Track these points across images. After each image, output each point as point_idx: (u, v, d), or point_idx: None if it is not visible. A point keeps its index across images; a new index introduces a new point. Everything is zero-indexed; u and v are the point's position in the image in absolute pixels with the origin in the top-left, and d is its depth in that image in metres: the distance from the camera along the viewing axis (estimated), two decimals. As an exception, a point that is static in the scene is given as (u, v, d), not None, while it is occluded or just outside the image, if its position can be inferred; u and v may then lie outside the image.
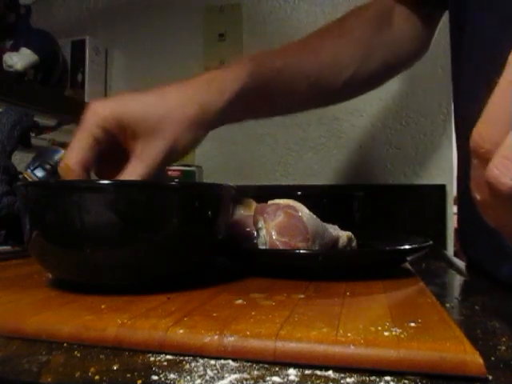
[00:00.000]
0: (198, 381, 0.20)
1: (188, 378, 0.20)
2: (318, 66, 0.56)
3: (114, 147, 0.43)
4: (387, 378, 0.20)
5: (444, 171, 0.95)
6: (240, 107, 0.48)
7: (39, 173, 0.59)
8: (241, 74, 0.48)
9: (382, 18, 0.62)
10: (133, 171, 0.42)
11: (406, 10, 0.62)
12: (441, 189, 0.94)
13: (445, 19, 0.65)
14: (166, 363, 0.22)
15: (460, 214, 0.59)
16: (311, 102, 0.62)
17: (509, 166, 0.19)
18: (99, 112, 0.41)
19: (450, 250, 0.95)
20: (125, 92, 0.45)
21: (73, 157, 0.40)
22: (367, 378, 0.20)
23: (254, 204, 0.48)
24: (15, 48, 0.92)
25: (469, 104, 0.23)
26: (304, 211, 0.41)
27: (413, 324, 0.24)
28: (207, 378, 0.20)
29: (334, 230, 0.45)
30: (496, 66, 0.23)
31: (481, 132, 0.21)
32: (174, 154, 0.44)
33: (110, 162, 0.44)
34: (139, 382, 0.20)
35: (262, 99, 0.52)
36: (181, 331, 0.23)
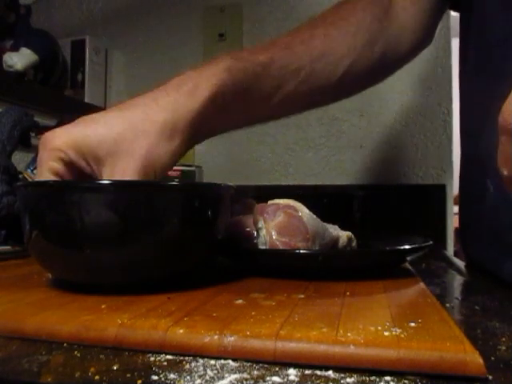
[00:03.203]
0: (198, 381, 0.20)
1: (188, 377, 0.20)
2: (308, 58, 0.50)
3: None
4: (387, 377, 0.20)
5: (444, 171, 0.95)
6: (221, 109, 0.43)
7: (39, 173, 0.59)
8: (216, 71, 0.42)
9: (381, 3, 0.55)
10: None
11: None
12: (441, 189, 0.94)
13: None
14: (165, 363, 0.22)
15: (461, 213, 0.59)
16: (302, 102, 0.53)
17: None
18: (52, 144, 0.37)
19: (450, 250, 0.95)
20: (83, 116, 0.39)
21: None
22: (367, 378, 0.20)
23: (254, 204, 0.48)
24: (15, 48, 0.92)
25: (479, 103, 0.23)
26: (304, 211, 0.41)
27: (413, 324, 0.24)
28: (207, 377, 0.20)
29: (334, 229, 0.45)
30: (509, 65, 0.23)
31: (511, 109, 0.22)
32: (152, 172, 0.38)
33: None
34: (139, 382, 0.20)
35: (244, 99, 0.46)
36: (181, 331, 0.23)
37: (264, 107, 0.49)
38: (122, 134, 0.37)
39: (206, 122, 0.42)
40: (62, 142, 0.37)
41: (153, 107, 0.39)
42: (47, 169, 0.36)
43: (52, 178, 0.36)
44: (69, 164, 0.37)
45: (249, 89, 0.45)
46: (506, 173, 0.23)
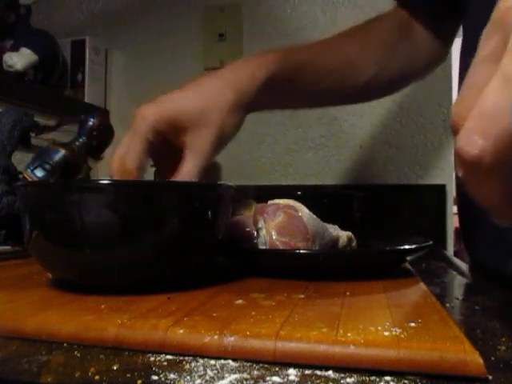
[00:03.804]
0: (198, 381, 0.20)
1: (188, 377, 0.20)
2: (339, 64, 0.59)
3: (168, 145, 0.46)
4: (387, 377, 0.20)
5: (444, 171, 0.95)
6: (270, 93, 0.51)
7: (39, 173, 0.59)
8: (269, 62, 0.51)
9: (404, 25, 0.64)
10: (188, 166, 0.44)
11: (423, 21, 0.64)
12: (441, 189, 0.94)
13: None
14: (165, 363, 0.22)
15: (461, 213, 0.59)
16: (333, 97, 0.64)
17: (470, 135, 0.20)
18: (149, 117, 0.44)
19: (450, 250, 0.95)
20: (161, 94, 0.47)
21: (133, 160, 0.43)
22: (367, 378, 0.20)
23: (254, 204, 0.48)
24: (15, 48, 0.92)
25: None
26: (304, 211, 0.41)
27: (413, 324, 0.24)
28: (207, 377, 0.20)
29: (334, 229, 0.45)
30: None
31: (456, 110, 0.22)
32: (222, 141, 0.47)
33: (168, 158, 0.47)
34: (139, 382, 0.20)
35: (289, 87, 0.55)
36: (181, 331, 0.23)
37: (302, 97, 0.60)
38: (204, 109, 0.46)
39: (259, 101, 0.51)
40: (158, 116, 0.44)
41: (222, 86, 0.48)
42: (145, 137, 0.44)
43: (145, 145, 0.44)
44: (160, 134, 0.45)
45: (291, 80, 0.55)
46: (460, 174, 0.23)
